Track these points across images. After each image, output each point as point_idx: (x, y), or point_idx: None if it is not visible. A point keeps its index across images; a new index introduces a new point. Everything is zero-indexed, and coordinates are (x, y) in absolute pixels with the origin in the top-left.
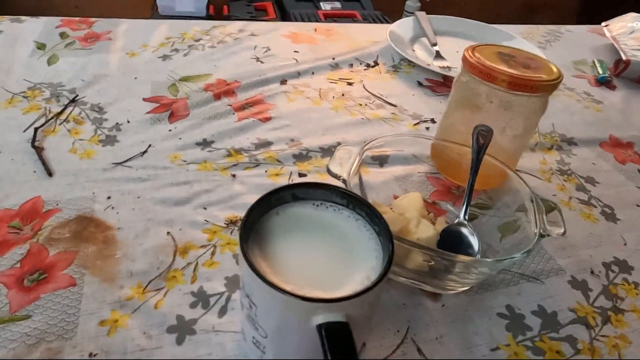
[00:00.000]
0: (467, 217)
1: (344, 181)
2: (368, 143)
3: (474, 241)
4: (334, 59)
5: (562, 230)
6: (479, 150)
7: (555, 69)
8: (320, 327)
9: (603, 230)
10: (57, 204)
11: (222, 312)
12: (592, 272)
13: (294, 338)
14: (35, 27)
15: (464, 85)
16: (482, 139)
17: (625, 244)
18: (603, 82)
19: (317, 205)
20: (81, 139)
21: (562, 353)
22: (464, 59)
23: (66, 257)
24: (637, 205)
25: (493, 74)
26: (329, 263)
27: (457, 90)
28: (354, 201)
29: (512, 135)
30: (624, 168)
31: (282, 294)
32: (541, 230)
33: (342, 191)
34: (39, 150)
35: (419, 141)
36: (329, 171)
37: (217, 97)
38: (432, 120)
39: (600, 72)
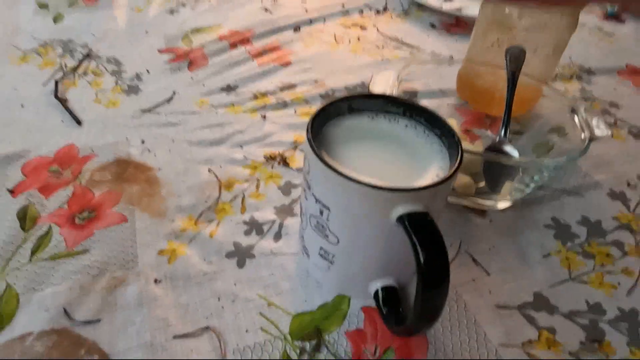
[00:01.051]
0: (507, 135)
1: None
2: (405, 67)
3: (517, 156)
4: (343, 6)
5: (609, 132)
6: (514, 71)
7: None
8: (402, 218)
9: (633, 148)
10: (92, 150)
11: (277, 237)
12: (628, 184)
13: (369, 237)
14: None
15: (492, 8)
16: (514, 61)
17: None
18: (612, 16)
19: (372, 118)
20: (102, 90)
21: (611, 256)
22: None
23: (111, 197)
24: None
25: None
26: (396, 165)
27: (483, 14)
28: (411, 108)
29: (544, 55)
30: None
31: (362, 186)
32: (590, 134)
33: (399, 100)
34: (63, 101)
35: (443, 76)
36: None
37: (234, 45)
38: (451, 58)
39: (609, 6)
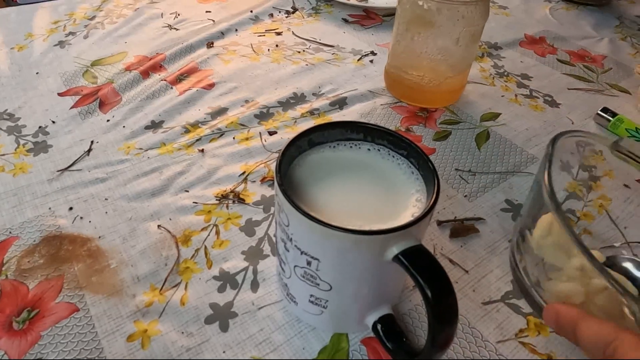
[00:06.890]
0: None
1: None
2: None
3: None
4: (252, 11)
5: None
6: None
7: None
8: (398, 257)
9: (552, 116)
10: (10, 232)
11: (255, 286)
12: None
13: (363, 278)
14: None
15: (411, 4)
16: None
17: (572, 123)
18: None
19: (334, 147)
20: (3, 154)
21: None
22: None
23: (51, 285)
24: (569, 89)
25: None
26: (373, 197)
27: (403, 12)
28: (372, 132)
29: (465, 44)
30: (546, 60)
31: (354, 234)
32: None
33: (359, 124)
34: None
35: (369, 76)
36: None
37: (145, 74)
38: (373, 53)
39: None
